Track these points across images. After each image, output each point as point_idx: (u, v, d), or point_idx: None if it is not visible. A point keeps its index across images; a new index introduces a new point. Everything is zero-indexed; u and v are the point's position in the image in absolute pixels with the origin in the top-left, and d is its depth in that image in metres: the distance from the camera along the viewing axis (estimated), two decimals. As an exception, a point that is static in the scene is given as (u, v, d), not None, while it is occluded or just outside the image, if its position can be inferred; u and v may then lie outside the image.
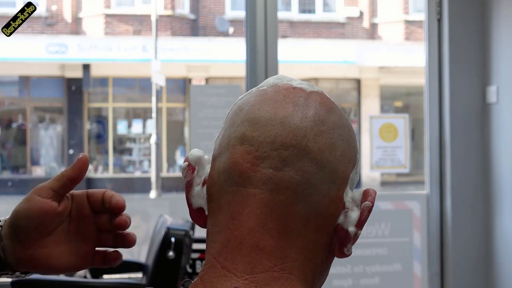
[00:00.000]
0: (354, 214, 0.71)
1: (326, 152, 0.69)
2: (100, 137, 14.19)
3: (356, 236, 0.71)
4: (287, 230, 0.67)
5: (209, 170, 0.74)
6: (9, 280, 3.40)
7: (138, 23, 13.53)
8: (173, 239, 3.46)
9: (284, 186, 0.67)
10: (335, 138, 0.71)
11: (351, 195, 0.72)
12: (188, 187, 0.74)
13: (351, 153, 0.73)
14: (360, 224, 0.71)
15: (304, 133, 0.69)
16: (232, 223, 0.68)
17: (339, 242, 0.71)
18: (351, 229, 0.71)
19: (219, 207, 0.70)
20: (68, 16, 13.66)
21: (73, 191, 0.83)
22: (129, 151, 14.01)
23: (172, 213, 5.41)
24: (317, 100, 0.73)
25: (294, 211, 0.67)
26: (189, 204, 0.75)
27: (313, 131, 0.69)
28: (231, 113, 0.75)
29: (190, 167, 0.75)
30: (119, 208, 0.81)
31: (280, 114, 0.70)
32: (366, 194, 0.72)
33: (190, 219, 2.03)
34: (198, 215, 0.74)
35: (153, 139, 11.95)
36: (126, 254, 6.21)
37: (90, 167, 13.70)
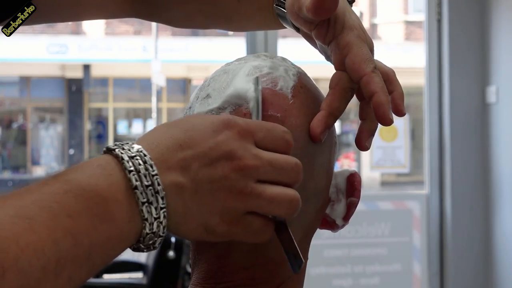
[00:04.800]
0: (341, 207, 0.69)
1: (311, 183, 0.65)
2: (100, 137, 14.20)
3: (344, 226, 0.70)
4: (283, 260, 0.64)
5: None
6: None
7: (138, 23, 13.54)
8: (173, 239, 3.47)
9: None
10: (316, 162, 0.66)
11: (334, 182, 0.69)
12: None
13: (331, 158, 0.69)
14: (348, 217, 0.69)
15: None
16: (218, 261, 0.66)
17: (328, 225, 0.71)
18: (339, 221, 0.70)
19: None
20: (68, 16, 13.66)
21: None
22: (130, 151, 14.00)
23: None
24: (296, 122, 0.65)
25: None
26: None
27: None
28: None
29: None
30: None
31: None
32: (351, 185, 0.69)
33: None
34: None
35: (153, 139, 11.95)
36: (127, 254, 6.21)
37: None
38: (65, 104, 13.89)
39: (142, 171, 0.51)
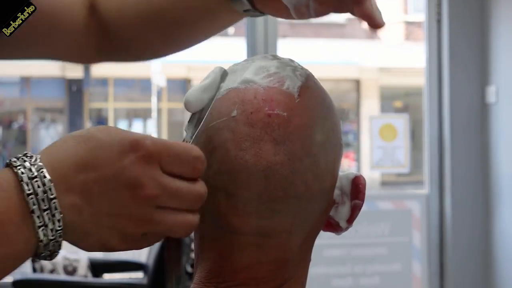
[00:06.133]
0: (345, 209, 0.69)
1: (315, 183, 0.65)
2: (100, 138, 14.17)
3: (347, 229, 0.70)
4: (285, 260, 0.66)
5: None
6: (10, 280, 3.41)
7: (139, 24, 13.53)
8: (173, 239, 3.46)
9: (277, 231, 0.65)
10: (321, 162, 0.66)
11: (338, 184, 0.69)
12: None
13: (336, 159, 0.69)
14: (352, 220, 0.69)
15: (291, 180, 0.63)
16: (220, 260, 0.66)
17: (331, 227, 0.71)
18: (343, 224, 0.70)
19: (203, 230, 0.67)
20: (68, 17, 13.66)
21: None
22: (130, 152, 13.99)
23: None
24: (302, 121, 0.65)
25: (291, 245, 0.66)
26: None
27: (299, 172, 0.64)
28: (200, 142, 0.65)
29: None
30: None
31: (262, 164, 0.63)
32: (356, 187, 0.69)
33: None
34: None
35: (153, 140, 11.95)
36: (127, 254, 6.21)
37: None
38: (66, 104, 13.89)
39: (40, 194, 0.52)
